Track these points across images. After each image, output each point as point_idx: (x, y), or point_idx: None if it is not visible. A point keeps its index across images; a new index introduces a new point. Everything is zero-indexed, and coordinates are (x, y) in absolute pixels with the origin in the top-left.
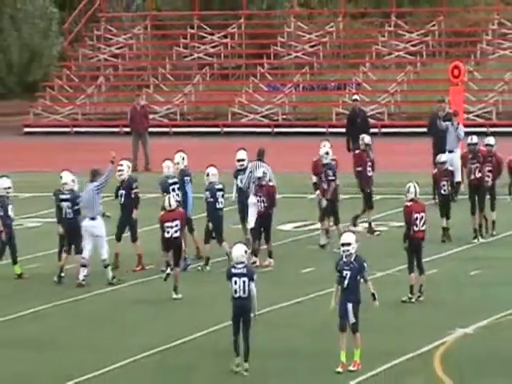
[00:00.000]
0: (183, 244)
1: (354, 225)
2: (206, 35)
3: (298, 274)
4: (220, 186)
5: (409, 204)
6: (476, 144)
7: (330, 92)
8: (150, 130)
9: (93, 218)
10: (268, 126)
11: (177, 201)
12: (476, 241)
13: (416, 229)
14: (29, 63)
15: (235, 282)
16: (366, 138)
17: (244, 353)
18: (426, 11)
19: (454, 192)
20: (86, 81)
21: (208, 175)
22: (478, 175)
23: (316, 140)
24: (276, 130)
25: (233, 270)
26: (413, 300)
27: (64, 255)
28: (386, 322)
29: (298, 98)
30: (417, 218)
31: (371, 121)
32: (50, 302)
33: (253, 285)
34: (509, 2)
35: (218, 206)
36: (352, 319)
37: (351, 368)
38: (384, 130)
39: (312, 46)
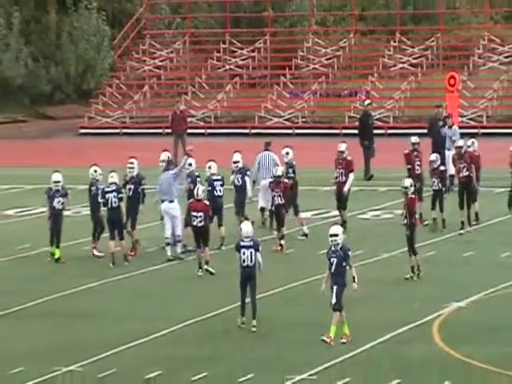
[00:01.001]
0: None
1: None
2: (236, 50)
3: (316, 255)
4: (218, 177)
5: (413, 196)
6: (461, 147)
7: (343, 99)
8: (188, 131)
9: (171, 201)
10: (290, 128)
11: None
12: (462, 231)
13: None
14: (84, 74)
15: (243, 253)
16: (413, 138)
17: (252, 312)
18: (425, 29)
19: (445, 188)
20: (133, 89)
21: (210, 168)
22: (466, 173)
23: (331, 140)
24: (297, 131)
25: (241, 243)
26: (414, 278)
27: (111, 242)
28: (391, 296)
29: (315, 103)
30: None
31: (378, 123)
32: (100, 279)
33: (258, 254)
34: (497, 20)
35: (216, 194)
36: (333, 299)
37: (343, 340)
38: (389, 131)
39: (328, 59)
